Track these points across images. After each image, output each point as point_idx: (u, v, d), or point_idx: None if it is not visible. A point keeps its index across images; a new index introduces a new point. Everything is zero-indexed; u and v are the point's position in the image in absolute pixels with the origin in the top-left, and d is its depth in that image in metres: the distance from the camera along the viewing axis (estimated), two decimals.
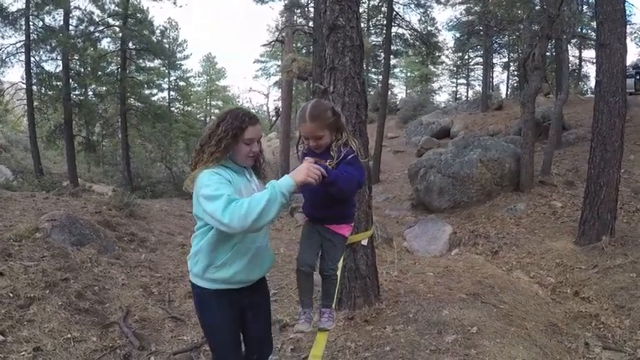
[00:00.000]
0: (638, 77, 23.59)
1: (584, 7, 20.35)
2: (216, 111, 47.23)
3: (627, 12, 22.75)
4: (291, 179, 2.16)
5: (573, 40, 27.10)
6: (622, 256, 6.97)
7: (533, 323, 4.42)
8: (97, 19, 20.41)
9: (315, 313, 2.73)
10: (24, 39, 18.57)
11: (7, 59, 19.15)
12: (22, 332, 3.94)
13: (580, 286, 6.36)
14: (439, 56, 31.38)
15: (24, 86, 19.94)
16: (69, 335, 4.12)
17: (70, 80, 19.88)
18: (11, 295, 4.53)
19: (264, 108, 48.17)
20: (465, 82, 47.50)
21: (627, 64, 22.69)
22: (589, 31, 23.58)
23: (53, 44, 18.85)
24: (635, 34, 30.01)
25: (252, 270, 2.52)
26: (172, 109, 35.01)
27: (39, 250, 5.98)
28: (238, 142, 2.38)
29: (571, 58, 30.67)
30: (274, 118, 31.04)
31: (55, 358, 3.72)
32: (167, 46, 27.40)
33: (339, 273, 2.75)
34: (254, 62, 53.41)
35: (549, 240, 8.42)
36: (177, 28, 26.77)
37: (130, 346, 4.10)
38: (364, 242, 4.12)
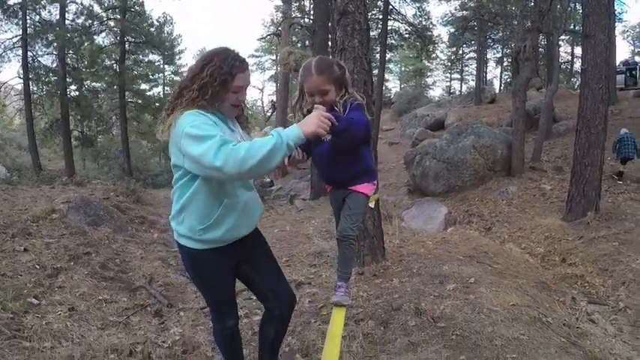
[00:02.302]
0: (628, 74, 24.26)
1: (577, 4, 20.88)
2: None
3: (619, 9, 23.44)
4: (300, 130, 1.97)
5: (566, 37, 27.70)
6: (606, 228, 7.50)
7: (525, 280, 4.84)
8: (95, 13, 20.62)
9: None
10: (21, 33, 18.78)
11: (4, 54, 19.43)
12: (54, 297, 4.22)
13: (567, 254, 6.86)
14: (433, 50, 31.80)
15: (16, 85, 20.29)
16: (100, 297, 4.44)
17: (66, 75, 20.09)
18: (38, 266, 4.82)
19: (259, 102, 48.45)
20: (458, 76, 47.97)
21: (618, 61, 23.34)
22: (581, 28, 24.19)
23: (50, 38, 19.08)
24: (628, 32, 30.72)
25: (242, 224, 2.30)
26: None
27: (57, 229, 6.29)
28: (227, 90, 2.13)
29: (563, 54, 31.32)
30: (270, 112, 31.33)
31: (90, 316, 4.00)
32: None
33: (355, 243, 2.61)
34: (249, 57, 53.55)
35: (539, 217, 8.92)
36: (172, 23, 26.97)
37: (159, 305, 4.45)
38: (371, 205, 4.51)
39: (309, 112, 2.27)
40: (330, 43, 12.44)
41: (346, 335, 3.17)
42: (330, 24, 11.06)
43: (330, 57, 2.54)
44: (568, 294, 5.10)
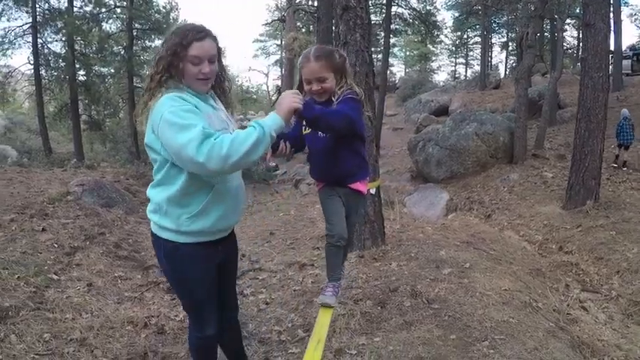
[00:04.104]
0: (635, 58, 24.03)
1: None
2: None
3: None
4: (279, 117, 1.92)
5: (572, 22, 27.52)
6: (604, 217, 7.66)
7: (520, 267, 5.03)
8: (103, 1, 20.77)
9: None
10: (30, 21, 19.04)
11: (14, 41, 19.72)
12: (72, 273, 4.51)
13: (564, 242, 7.05)
14: (438, 35, 31.68)
15: (26, 70, 20.58)
16: (115, 275, 4.74)
17: (75, 61, 20.29)
18: (56, 245, 5.11)
19: (264, 87, 48.51)
20: (463, 61, 47.75)
21: (625, 46, 23.15)
22: None
23: (59, 25, 19.32)
24: (636, 16, 30.40)
25: (232, 213, 2.19)
26: None
27: (72, 210, 6.59)
28: (184, 61, 1.98)
29: (569, 39, 31.07)
30: (274, 97, 31.42)
31: (107, 292, 4.28)
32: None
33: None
34: (253, 42, 53.84)
35: (539, 205, 9.10)
36: (177, 9, 27.06)
37: None
38: (372, 191, 4.76)
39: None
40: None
41: (345, 313, 3.40)
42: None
43: (331, 46, 2.42)
44: (562, 281, 5.28)
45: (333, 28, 5.20)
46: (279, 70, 42.16)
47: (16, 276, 3.87)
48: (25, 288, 3.72)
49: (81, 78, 21.43)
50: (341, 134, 2.21)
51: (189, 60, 1.99)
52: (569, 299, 4.67)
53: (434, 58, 48.70)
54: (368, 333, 3.22)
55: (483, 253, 5.09)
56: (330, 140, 2.27)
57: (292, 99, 1.94)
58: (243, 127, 1.96)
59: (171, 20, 27.07)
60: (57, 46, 20.69)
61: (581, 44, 32.04)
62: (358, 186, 2.43)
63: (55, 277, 4.26)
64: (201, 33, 2.01)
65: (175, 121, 1.81)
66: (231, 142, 1.77)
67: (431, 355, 2.88)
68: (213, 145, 1.75)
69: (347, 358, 2.95)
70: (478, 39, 38.95)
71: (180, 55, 1.97)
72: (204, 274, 2.19)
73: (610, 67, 16.14)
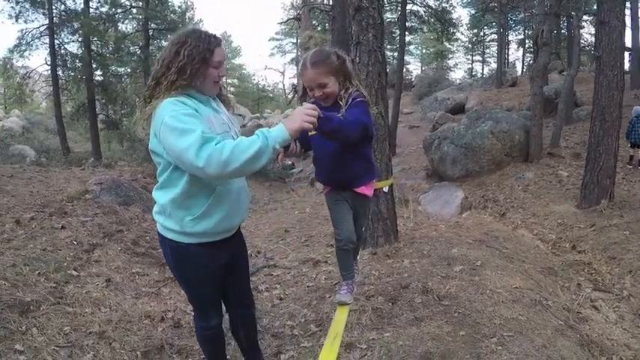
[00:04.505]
0: None
1: None
2: (231, 89, 47.61)
3: None
4: (286, 130, 1.87)
5: (589, 19, 27.18)
6: (618, 217, 7.59)
7: (532, 265, 5.05)
8: (119, 2, 21.07)
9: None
10: (47, 22, 19.44)
11: (32, 42, 20.07)
12: (91, 269, 4.61)
13: (578, 241, 7.00)
14: (454, 33, 31.49)
15: (43, 71, 20.97)
16: (133, 271, 4.84)
17: (92, 61, 20.60)
18: (75, 242, 5.21)
19: (280, 85, 48.86)
20: (480, 59, 47.44)
21: None
22: None
23: (75, 26, 19.63)
24: None
25: (235, 214, 2.24)
26: None
27: (91, 208, 6.70)
28: (208, 66, 2.08)
29: (586, 36, 30.63)
30: (291, 95, 31.55)
31: (125, 287, 4.39)
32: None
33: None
34: (269, 40, 54.22)
35: (553, 204, 9.04)
36: (192, 8, 27.30)
37: None
38: (385, 189, 4.83)
39: None
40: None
41: (357, 309, 3.47)
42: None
43: (328, 47, 2.32)
44: (574, 280, 5.27)
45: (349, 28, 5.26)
46: (295, 68, 42.45)
47: (37, 272, 3.98)
48: (45, 283, 3.84)
49: (98, 78, 21.69)
50: (356, 141, 2.18)
51: (213, 65, 2.09)
52: (580, 298, 4.67)
53: (450, 56, 48.49)
54: (379, 328, 3.28)
55: (495, 252, 5.12)
56: (337, 144, 2.24)
57: (305, 118, 1.88)
58: (259, 126, 1.99)
59: (187, 20, 27.32)
60: (74, 47, 21.05)
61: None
62: (363, 190, 2.44)
63: (74, 273, 4.37)
64: (218, 38, 2.13)
65: (176, 126, 1.86)
66: (232, 148, 1.80)
67: (440, 351, 2.92)
68: (213, 150, 1.79)
69: (357, 352, 3.02)
70: (494, 36, 38.66)
71: (208, 61, 2.07)
72: (208, 274, 2.30)
73: (627, 64, 15.90)
